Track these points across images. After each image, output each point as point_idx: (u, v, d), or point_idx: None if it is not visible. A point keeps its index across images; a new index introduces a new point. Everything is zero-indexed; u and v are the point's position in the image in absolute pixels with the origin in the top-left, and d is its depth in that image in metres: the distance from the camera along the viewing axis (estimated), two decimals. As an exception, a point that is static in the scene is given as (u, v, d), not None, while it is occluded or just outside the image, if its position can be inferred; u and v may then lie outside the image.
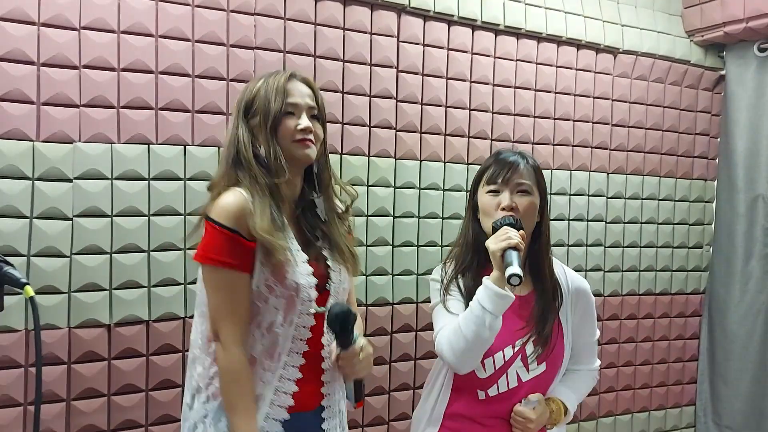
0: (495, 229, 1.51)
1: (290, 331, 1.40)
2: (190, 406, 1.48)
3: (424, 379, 2.63)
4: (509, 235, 1.46)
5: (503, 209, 1.55)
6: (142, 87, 2.08)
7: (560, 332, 1.64)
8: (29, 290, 1.17)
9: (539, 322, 1.59)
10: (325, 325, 1.43)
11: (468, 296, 1.58)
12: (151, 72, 2.10)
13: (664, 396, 3.37)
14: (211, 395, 1.44)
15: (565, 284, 1.68)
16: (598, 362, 1.79)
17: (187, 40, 2.16)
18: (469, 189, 1.70)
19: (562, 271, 1.72)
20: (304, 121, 1.41)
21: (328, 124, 2.34)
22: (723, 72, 3.38)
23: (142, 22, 2.08)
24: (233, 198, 1.35)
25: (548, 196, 1.65)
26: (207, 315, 1.43)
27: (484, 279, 1.49)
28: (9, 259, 1.53)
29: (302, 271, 1.40)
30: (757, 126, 3.23)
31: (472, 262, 1.64)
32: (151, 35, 2.10)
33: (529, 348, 1.59)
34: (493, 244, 1.47)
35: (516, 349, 1.58)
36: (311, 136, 1.42)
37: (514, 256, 1.44)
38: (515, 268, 1.41)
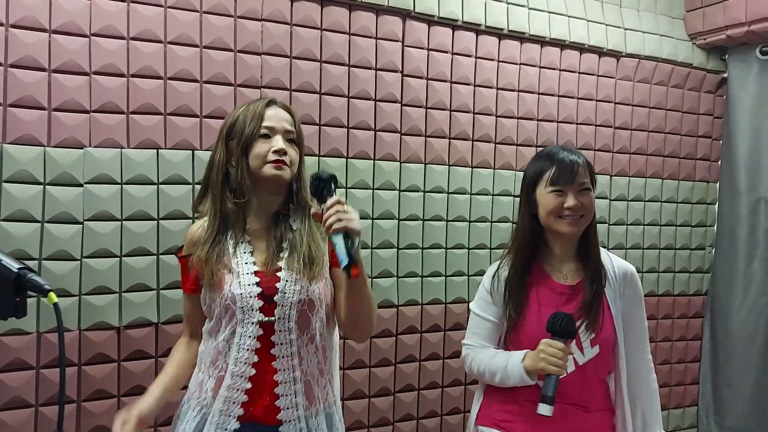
0: (552, 328, 1.55)
1: (235, 340, 1.44)
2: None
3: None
4: (559, 361, 1.52)
5: (569, 209, 1.62)
6: (151, 93, 2.12)
7: (609, 314, 1.69)
8: (53, 297, 1.21)
9: (589, 307, 1.65)
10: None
11: (507, 286, 1.70)
12: (160, 78, 2.13)
13: (666, 396, 3.39)
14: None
15: (612, 270, 1.73)
16: (650, 356, 1.78)
17: (196, 46, 2.19)
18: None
19: (607, 257, 1.76)
20: (278, 144, 1.45)
21: (333, 128, 2.44)
22: (725, 75, 3.40)
23: (151, 28, 2.11)
24: (192, 230, 1.56)
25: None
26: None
27: (522, 363, 1.60)
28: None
29: (244, 282, 1.44)
30: (759, 129, 3.25)
31: (529, 260, 1.72)
32: (160, 41, 2.13)
33: (582, 334, 1.64)
34: (542, 360, 1.53)
35: None
36: (285, 158, 1.45)
37: (552, 385, 1.51)
38: (547, 408, 1.50)
